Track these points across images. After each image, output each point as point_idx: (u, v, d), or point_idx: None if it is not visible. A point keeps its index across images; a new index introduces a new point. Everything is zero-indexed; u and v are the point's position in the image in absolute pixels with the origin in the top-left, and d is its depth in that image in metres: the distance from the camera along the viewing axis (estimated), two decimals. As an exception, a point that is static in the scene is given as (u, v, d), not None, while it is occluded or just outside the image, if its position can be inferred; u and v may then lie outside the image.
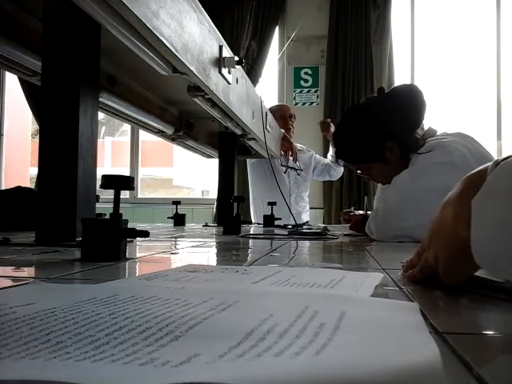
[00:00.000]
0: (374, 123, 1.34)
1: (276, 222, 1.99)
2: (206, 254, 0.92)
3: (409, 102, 1.32)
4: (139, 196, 4.54)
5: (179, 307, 0.32)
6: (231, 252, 0.95)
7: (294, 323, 0.28)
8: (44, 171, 0.92)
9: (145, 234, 0.70)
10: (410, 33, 4.05)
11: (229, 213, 1.86)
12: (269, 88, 4.12)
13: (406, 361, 0.21)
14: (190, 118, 2.02)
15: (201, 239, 1.22)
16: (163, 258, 0.81)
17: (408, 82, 3.89)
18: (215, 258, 0.88)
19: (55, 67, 0.93)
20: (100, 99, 1.28)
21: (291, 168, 2.75)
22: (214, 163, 2.40)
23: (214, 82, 1.19)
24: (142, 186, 4.94)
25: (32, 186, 3.56)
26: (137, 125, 1.80)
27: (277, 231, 1.64)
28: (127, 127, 5.07)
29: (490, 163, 0.39)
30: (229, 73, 1.28)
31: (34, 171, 4.85)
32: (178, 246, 1.05)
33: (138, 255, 0.82)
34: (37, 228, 0.92)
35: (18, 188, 1.50)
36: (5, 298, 0.37)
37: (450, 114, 4.01)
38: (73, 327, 0.27)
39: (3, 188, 4.10)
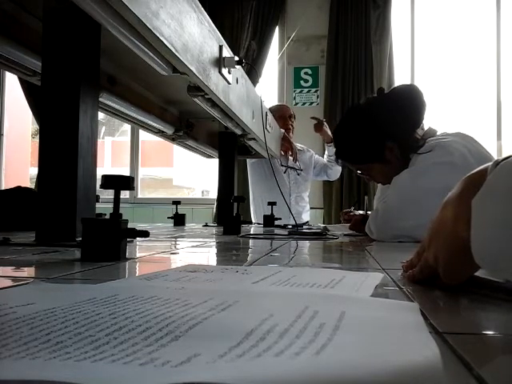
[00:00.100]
0: (374, 123, 1.34)
1: (276, 222, 1.99)
2: (206, 254, 0.92)
3: (409, 102, 1.32)
4: (139, 196, 4.54)
5: (179, 307, 0.32)
6: (231, 252, 0.95)
7: (294, 323, 0.28)
8: (44, 171, 0.92)
9: (145, 234, 0.70)
10: (409, 33, 4.06)
11: (229, 213, 1.86)
12: (269, 88, 4.12)
13: (406, 361, 0.21)
14: (190, 117, 2.02)
15: (201, 239, 1.22)
16: (163, 258, 0.81)
17: (408, 82, 3.89)
18: (215, 258, 0.88)
19: (55, 67, 0.93)
20: (100, 99, 1.28)
21: (291, 168, 2.75)
22: (214, 163, 2.40)
23: (214, 82, 1.19)
24: (142, 186, 4.94)
25: (32, 186, 3.56)
26: (137, 125, 1.80)
27: (277, 231, 1.64)
28: (127, 127, 5.07)
29: (489, 163, 0.39)
30: (229, 73, 1.28)
31: (34, 171, 4.85)
32: (177, 246, 1.05)
33: (138, 255, 0.82)
34: (37, 228, 0.92)
35: (18, 188, 1.50)
36: (5, 297, 0.37)
37: (450, 114, 4.02)
38: (73, 327, 0.27)
39: (3, 188, 4.10)
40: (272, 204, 1.97)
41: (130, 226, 0.70)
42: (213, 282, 0.47)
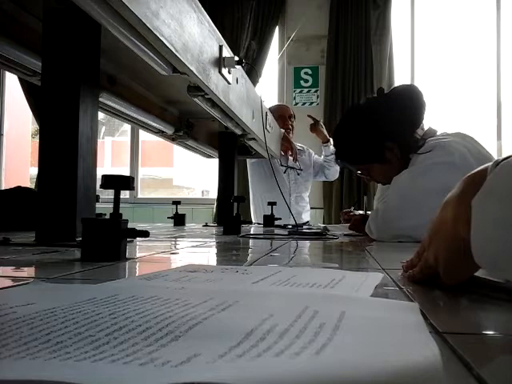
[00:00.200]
0: (374, 123, 1.34)
1: (276, 222, 1.99)
2: (206, 254, 0.92)
3: (408, 102, 1.32)
4: (139, 196, 4.54)
5: (179, 307, 0.32)
6: (231, 252, 0.95)
7: (294, 323, 0.28)
8: (44, 171, 0.92)
9: (145, 233, 0.70)
10: (409, 33, 4.06)
11: (229, 213, 1.86)
12: (269, 88, 4.12)
13: (406, 361, 0.21)
14: (190, 117, 2.02)
15: (201, 239, 1.22)
16: (163, 258, 0.81)
17: (408, 82, 3.89)
18: (215, 258, 0.88)
19: (55, 67, 0.93)
20: (100, 99, 1.28)
21: (291, 168, 2.75)
22: (214, 163, 2.40)
23: (214, 81, 1.19)
24: (142, 186, 4.93)
25: (32, 185, 3.56)
26: (137, 125, 1.80)
27: (277, 231, 1.64)
28: (127, 127, 5.07)
29: (489, 163, 0.39)
30: (229, 73, 1.28)
31: (34, 171, 4.85)
32: (177, 246, 1.05)
33: (138, 255, 0.82)
34: (37, 228, 0.92)
35: (18, 188, 1.50)
36: (5, 297, 0.37)
37: (450, 114, 4.02)
38: (73, 327, 0.27)
39: (3, 188, 4.10)
40: (272, 204, 1.97)
41: (130, 226, 0.70)
42: (213, 282, 0.47)
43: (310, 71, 4.06)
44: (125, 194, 4.33)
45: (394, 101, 1.34)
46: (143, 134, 4.32)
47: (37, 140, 0.95)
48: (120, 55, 1.21)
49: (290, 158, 2.70)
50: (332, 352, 0.23)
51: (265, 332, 0.26)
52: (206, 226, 2.09)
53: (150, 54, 0.94)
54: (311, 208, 2.99)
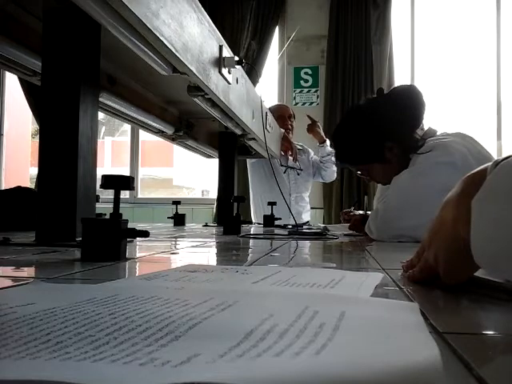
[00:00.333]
0: (374, 124, 1.34)
1: (276, 222, 1.99)
2: (206, 254, 0.92)
3: (408, 102, 1.32)
4: (139, 196, 4.54)
5: (179, 307, 0.32)
6: (231, 252, 0.95)
7: (294, 323, 0.28)
8: (44, 171, 0.92)
9: (145, 233, 0.70)
10: (409, 33, 4.05)
11: (229, 213, 1.86)
12: (269, 88, 4.12)
13: (405, 361, 0.21)
14: (190, 117, 2.02)
15: (201, 239, 1.22)
16: (163, 257, 0.81)
17: (408, 82, 3.89)
18: (215, 258, 0.88)
19: (55, 67, 0.93)
20: (100, 99, 1.27)
21: (291, 168, 2.75)
22: (214, 163, 2.40)
23: (214, 81, 1.19)
24: (142, 186, 4.93)
25: (32, 185, 3.56)
26: (137, 125, 1.80)
27: (277, 231, 1.64)
28: (127, 127, 5.07)
29: (489, 163, 0.39)
30: (229, 73, 1.28)
31: (34, 171, 4.85)
32: (178, 246, 1.05)
33: (138, 255, 0.82)
34: (37, 228, 0.92)
35: (18, 188, 1.50)
36: (5, 297, 0.37)
37: (450, 114, 4.02)
38: (73, 327, 0.27)
39: (3, 188, 4.10)
40: (272, 204, 1.97)
41: (130, 226, 0.70)
42: (213, 282, 0.47)
43: (310, 71, 4.06)
44: (125, 194, 4.33)
45: (394, 101, 1.34)
46: (143, 134, 4.32)
47: (37, 140, 0.95)
48: (120, 55, 1.21)
49: (290, 158, 2.70)
50: (332, 352, 0.23)
51: (265, 332, 0.26)
52: (206, 226, 2.09)
53: (150, 54, 0.94)
54: (311, 208, 2.99)
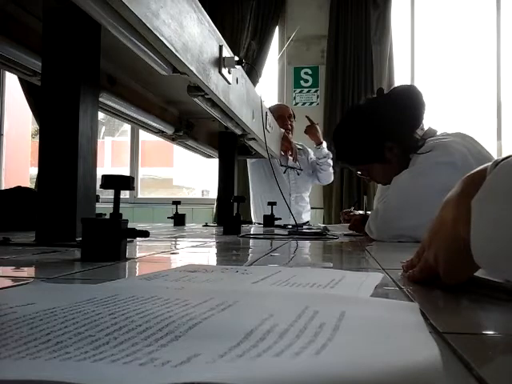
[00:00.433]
0: (374, 124, 1.34)
1: (276, 222, 1.99)
2: (206, 254, 0.92)
3: (408, 102, 1.32)
4: (139, 196, 4.54)
5: (179, 307, 0.32)
6: (231, 252, 0.95)
7: (294, 323, 0.28)
8: (44, 171, 0.92)
9: (145, 233, 0.70)
10: (409, 33, 4.05)
11: (229, 213, 1.86)
12: (269, 88, 4.12)
13: (405, 361, 0.21)
14: (189, 117, 2.02)
15: (201, 239, 1.22)
16: (163, 257, 0.81)
17: (408, 82, 3.89)
18: (215, 258, 0.88)
19: (55, 67, 0.93)
20: (100, 99, 1.27)
21: (291, 168, 2.74)
22: (214, 163, 2.40)
23: (214, 81, 1.19)
24: (142, 186, 4.93)
25: (32, 185, 3.56)
26: (137, 125, 1.80)
27: (277, 231, 1.64)
28: (127, 127, 5.07)
29: (489, 163, 0.39)
30: (229, 73, 1.28)
31: (34, 171, 4.85)
32: (178, 246, 1.05)
33: (138, 255, 0.82)
34: (37, 228, 0.92)
35: (18, 188, 1.50)
36: (5, 297, 0.37)
37: (450, 114, 4.02)
38: (73, 327, 0.27)
39: (3, 188, 4.10)
40: (272, 204, 1.97)
41: (130, 226, 0.70)
42: (213, 282, 0.47)
43: (310, 71, 4.06)
44: (125, 194, 4.33)
45: (394, 101, 1.34)
46: (143, 134, 4.32)
47: (37, 140, 0.95)
48: (120, 55, 1.21)
49: (290, 158, 2.69)
50: (332, 352, 0.23)
51: (265, 332, 0.26)
52: (206, 226, 2.09)
53: (150, 54, 0.94)
54: (311, 208, 2.99)
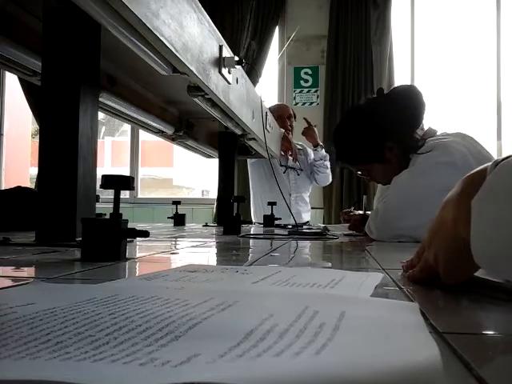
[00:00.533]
0: (374, 124, 1.34)
1: (276, 222, 1.99)
2: (206, 254, 0.92)
3: (408, 102, 1.32)
4: (139, 196, 4.54)
5: (179, 307, 0.32)
6: (231, 252, 0.95)
7: (294, 323, 0.28)
8: (44, 171, 0.92)
9: (145, 233, 0.70)
10: (410, 33, 4.05)
11: (229, 213, 1.86)
12: (269, 88, 4.12)
13: (405, 361, 0.21)
14: (189, 117, 2.02)
15: (201, 239, 1.22)
16: (163, 257, 0.81)
17: (408, 82, 3.89)
18: (215, 258, 0.88)
19: (55, 67, 0.93)
20: (100, 99, 1.27)
21: (291, 168, 2.74)
22: (214, 163, 2.40)
23: (214, 81, 1.19)
24: (142, 186, 4.93)
25: (32, 185, 3.56)
26: (137, 125, 1.80)
27: (277, 231, 1.64)
28: (127, 127, 5.07)
29: (489, 163, 0.39)
30: (229, 73, 1.28)
31: (34, 171, 4.85)
32: (178, 246, 1.05)
33: (138, 255, 0.82)
34: (37, 228, 0.92)
35: (18, 188, 1.50)
36: (5, 297, 0.37)
37: (450, 114, 4.02)
38: (73, 327, 0.27)
39: (3, 188, 4.10)
40: (272, 204, 1.97)
41: (130, 226, 0.70)
42: (213, 282, 0.47)
43: (310, 71, 4.06)
44: (125, 194, 4.33)
45: (394, 101, 1.34)
46: (143, 134, 4.32)
47: (37, 140, 0.95)
48: (120, 55, 1.21)
49: (290, 158, 2.69)
50: (332, 352, 0.23)
51: (265, 332, 0.26)
52: (206, 226, 2.09)
53: (150, 54, 0.94)
54: (311, 208, 2.99)
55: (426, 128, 1.38)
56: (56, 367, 0.20)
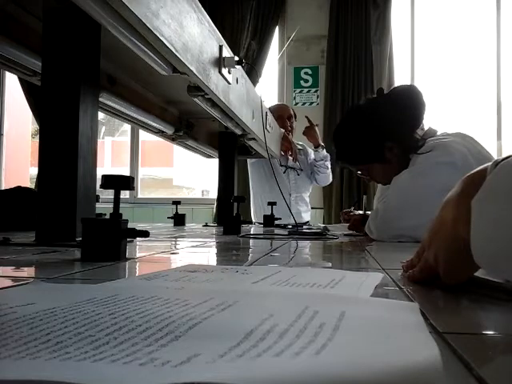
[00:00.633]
0: (374, 124, 1.34)
1: (276, 222, 1.99)
2: (206, 254, 0.92)
3: (408, 102, 1.32)
4: (139, 196, 4.54)
5: (179, 307, 0.32)
6: (231, 252, 0.95)
7: (294, 323, 0.28)
8: (44, 171, 0.92)
9: (145, 233, 0.70)
10: (410, 33, 4.05)
11: (229, 213, 1.86)
12: (269, 88, 4.12)
13: (405, 361, 0.21)
14: (189, 117, 2.02)
15: (201, 239, 1.22)
16: (163, 257, 0.81)
17: (408, 82, 3.89)
18: (215, 258, 0.88)
19: (55, 67, 0.93)
20: (100, 99, 1.27)
21: (291, 168, 2.74)
22: (214, 163, 2.40)
23: (214, 81, 1.19)
24: (142, 186, 4.93)
25: (32, 185, 3.56)
26: (137, 125, 1.80)
27: (277, 231, 1.64)
28: (127, 127, 5.07)
29: (489, 163, 0.39)
30: (229, 73, 1.28)
31: (34, 171, 4.85)
32: (178, 246, 1.05)
33: (138, 255, 0.82)
34: (37, 228, 0.92)
35: (18, 188, 1.50)
36: (5, 297, 0.37)
37: (450, 114, 4.02)
38: (73, 327, 0.27)
39: (3, 188, 4.10)
40: (272, 204, 1.97)
41: (130, 226, 0.70)
42: (213, 282, 0.47)
43: (310, 71, 4.06)
44: (125, 194, 4.33)
45: (394, 101, 1.34)
46: (143, 134, 4.32)
47: (37, 140, 0.95)
48: (120, 55, 1.21)
49: (290, 158, 2.69)
50: (332, 352, 0.23)
51: (265, 332, 0.26)
52: (206, 226, 2.09)
53: (150, 54, 0.94)
54: (311, 208, 2.99)
55: (426, 128, 1.38)
56: (56, 367, 0.20)
